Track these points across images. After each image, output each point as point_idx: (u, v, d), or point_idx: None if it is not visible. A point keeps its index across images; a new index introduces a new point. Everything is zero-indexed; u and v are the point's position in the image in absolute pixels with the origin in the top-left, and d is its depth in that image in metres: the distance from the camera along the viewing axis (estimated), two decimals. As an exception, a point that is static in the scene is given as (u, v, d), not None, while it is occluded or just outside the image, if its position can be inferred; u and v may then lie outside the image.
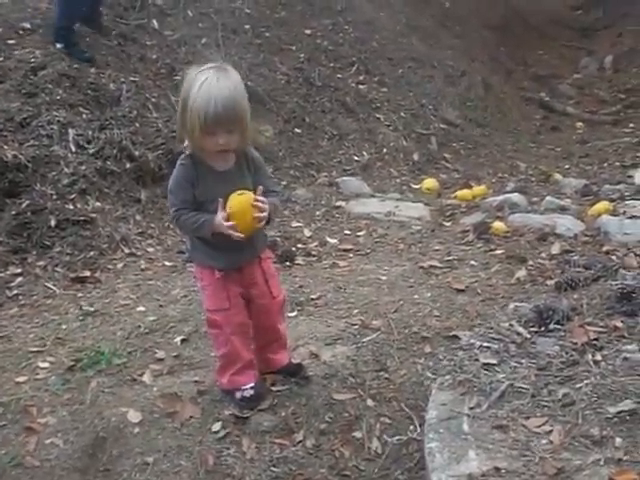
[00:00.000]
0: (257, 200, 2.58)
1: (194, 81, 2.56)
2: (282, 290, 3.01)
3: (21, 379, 3.19)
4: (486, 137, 7.97)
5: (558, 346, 2.81)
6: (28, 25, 6.24)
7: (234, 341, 2.84)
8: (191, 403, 2.96)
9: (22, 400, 3.03)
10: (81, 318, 3.76)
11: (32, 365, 3.31)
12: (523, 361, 2.74)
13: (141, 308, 3.82)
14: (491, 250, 4.49)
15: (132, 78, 6.05)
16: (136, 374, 3.18)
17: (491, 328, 3.03)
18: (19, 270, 4.30)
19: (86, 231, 4.65)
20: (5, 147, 4.94)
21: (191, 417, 2.89)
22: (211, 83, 2.53)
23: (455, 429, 2.37)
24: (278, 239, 4.72)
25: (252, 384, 2.90)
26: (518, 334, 2.95)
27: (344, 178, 6.03)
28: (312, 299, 3.82)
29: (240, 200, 2.56)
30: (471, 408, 2.48)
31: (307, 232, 4.99)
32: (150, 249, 4.72)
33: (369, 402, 2.97)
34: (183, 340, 3.40)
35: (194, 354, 3.25)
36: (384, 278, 4.07)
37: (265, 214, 2.59)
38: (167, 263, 4.49)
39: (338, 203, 5.56)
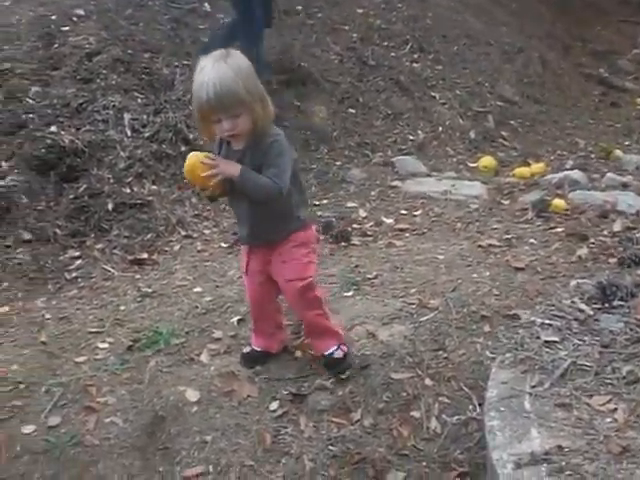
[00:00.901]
0: (205, 159, 2.60)
1: (195, 72, 2.58)
2: (304, 277, 2.85)
3: (81, 359, 3.23)
4: (544, 114, 7.79)
5: (622, 323, 2.74)
6: (82, 12, 6.33)
7: (250, 303, 3.09)
8: (248, 382, 2.98)
9: (82, 380, 3.07)
10: (139, 299, 3.79)
11: (91, 346, 3.35)
12: (586, 338, 2.68)
13: (198, 289, 3.83)
14: (551, 228, 4.39)
15: (185, 62, 6.07)
16: (194, 353, 3.20)
17: (552, 305, 2.96)
18: (78, 253, 4.35)
19: (143, 214, 4.69)
20: (62, 132, 5.01)
21: (248, 396, 2.90)
22: (204, 71, 2.52)
23: (516, 407, 2.32)
24: (333, 219, 4.70)
25: (253, 346, 3.11)
26: (581, 311, 2.87)
27: (399, 157, 5.94)
28: (368, 279, 3.78)
29: (187, 165, 2.66)
30: (533, 386, 2.42)
31: (362, 212, 4.95)
32: (206, 231, 4.74)
33: (427, 381, 2.94)
34: (240, 320, 3.40)
35: (250, 334, 3.24)
36: (441, 257, 4.00)
37: (214, 170, 2.58)
38: (223, 244, 4.49)
39: (394, 183, 5.49)
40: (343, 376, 2.94)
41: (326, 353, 2.98)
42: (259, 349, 3.10)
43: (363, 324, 3.28)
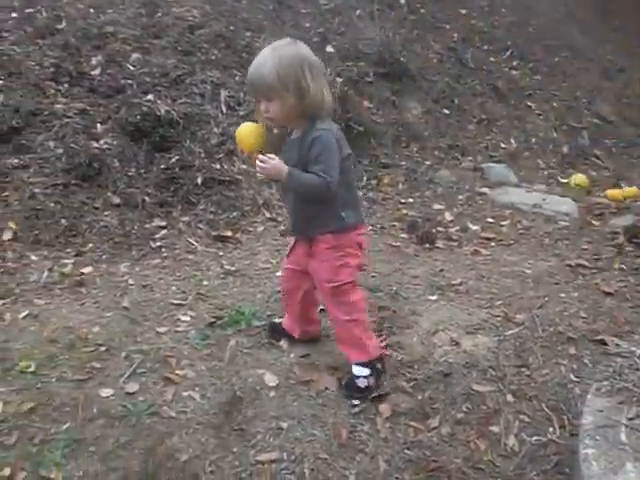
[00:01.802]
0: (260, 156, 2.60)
1: None
2: (335, 280, 2.78)
3: (162, 329, 3.24)
4: (640, 137, 7.59)
5: None
6: (187, -17, 6.34)
7: (280, 285, 3.19)
8: (327, 374, 2.94)
9: (162, 350, 3.07)
10: (222, 276, 3.80)
11: (173, 317, 3.36)
12: (686, 376, 2.57)
13: (280, 273, 3.81)
14: (641, 256, 4.27)
15: (285, 44, 6.04)
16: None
17: (652, 337, 2.87)
18: (164, 223, 4.37)
19: (230, 192, 4.69)
20: (159, 102, 5.04)
21: (327, 388, 2.87)
22: (259, 54, 2.63)
23: (612, 438, 2.24)
24: (419, 220, 4.64)
25: (283, 323, 3.21)
26: (681, 347, 2.77)
27: (490, 164, 5.84)
28: (453, 285, 3.73)
29: (243, 130, 2.73)
30: (630, 419, 2.33)
31: (448, 216, 4.88)
32: (290, 215, 4.72)
33: (509, 397, 2.86)
34: (321, 310, 3.35)
35: (332, 324, 3.21)
36: (529, 272, 3.92)
37: (260, 171, 2.61)
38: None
39: (482, 189, 5.40)
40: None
41: (355, 372, 2.86)
42: (284, 328, 3.19)
43: (446, 331, 3.23)
